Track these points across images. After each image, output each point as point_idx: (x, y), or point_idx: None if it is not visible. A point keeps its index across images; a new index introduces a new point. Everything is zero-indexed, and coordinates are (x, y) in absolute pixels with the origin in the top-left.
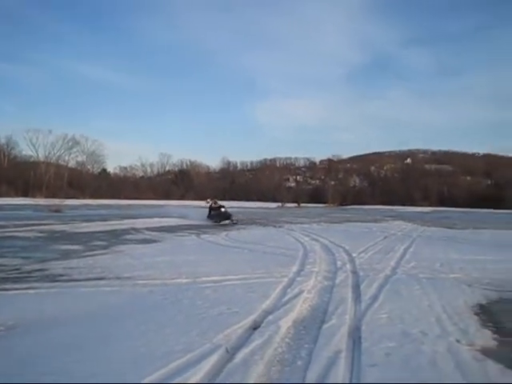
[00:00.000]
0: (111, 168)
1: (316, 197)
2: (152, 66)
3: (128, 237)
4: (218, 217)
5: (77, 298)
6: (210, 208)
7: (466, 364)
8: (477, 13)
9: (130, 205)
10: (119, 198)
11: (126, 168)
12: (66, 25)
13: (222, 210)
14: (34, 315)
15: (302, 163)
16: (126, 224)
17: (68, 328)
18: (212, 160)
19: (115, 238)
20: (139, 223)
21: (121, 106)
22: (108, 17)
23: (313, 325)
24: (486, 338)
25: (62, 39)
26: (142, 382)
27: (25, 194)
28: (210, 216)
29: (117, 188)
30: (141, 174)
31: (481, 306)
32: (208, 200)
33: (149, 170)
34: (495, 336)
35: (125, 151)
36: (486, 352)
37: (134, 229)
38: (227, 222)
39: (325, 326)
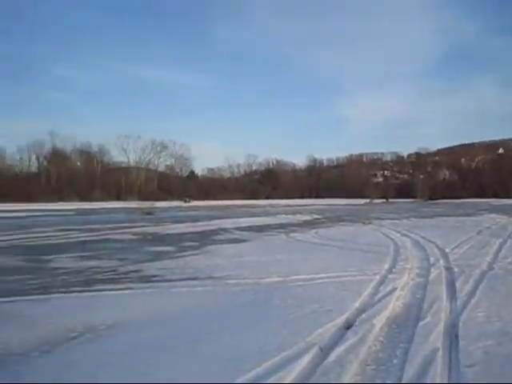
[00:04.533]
0: (199, 170)
1: (404, 191)
2: (231, 67)
3: (217, 237)
4: None
5: (171, 298)
6: None
7: None
8: None
9: (221, 206)
10: (208, 199)
11: (213, 169)
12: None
13: None
14: (131, 315)
15: (389, 158)
16: (215, 224)
17: (163, 328)
18: (298, 158)
19: (205, 238)
20: (228, 223)
21: (204, 109)
22: (180, 20)
23: (407, 323)
24: None
25: (146, 46)
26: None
27: (117, 198)
28: None
29: (205, 189)
30: (228, 174)
31: None
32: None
33: (236, 170)
34: None
35: (211, 153)
36: None
37: (223, 229)
38: None
39: (420, 324)
